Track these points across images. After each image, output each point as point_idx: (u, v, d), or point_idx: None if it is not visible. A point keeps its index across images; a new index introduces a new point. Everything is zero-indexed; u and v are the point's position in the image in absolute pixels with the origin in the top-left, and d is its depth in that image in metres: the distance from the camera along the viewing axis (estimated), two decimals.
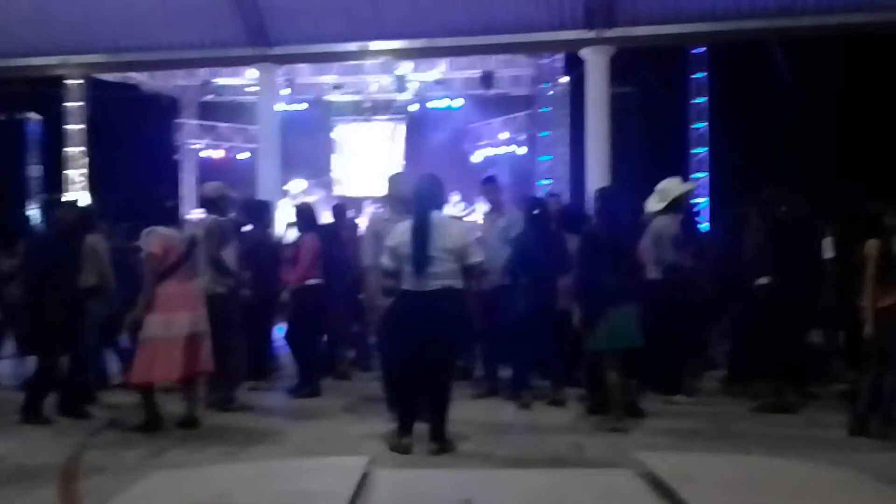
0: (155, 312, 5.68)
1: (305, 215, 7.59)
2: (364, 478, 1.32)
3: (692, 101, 17.00)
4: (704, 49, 16.47)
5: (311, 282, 7.14)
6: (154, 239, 5.75)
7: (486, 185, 7.43)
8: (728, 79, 15.85)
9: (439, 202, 5.33)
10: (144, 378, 5.72)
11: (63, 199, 7.08)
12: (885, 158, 13.57)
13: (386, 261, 5.19)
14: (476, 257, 5.15)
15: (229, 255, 6.56)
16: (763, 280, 6.29)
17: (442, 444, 5.03)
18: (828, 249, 6.97)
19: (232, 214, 7.02)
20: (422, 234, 5.01)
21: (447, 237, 5.04)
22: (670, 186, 6.61)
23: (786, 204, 6.49)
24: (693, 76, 17.03)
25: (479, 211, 15.12)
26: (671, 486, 1.17)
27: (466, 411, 5.90)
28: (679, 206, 6.60)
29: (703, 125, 17.07)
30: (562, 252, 6.53)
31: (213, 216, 6.48)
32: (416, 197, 5.23)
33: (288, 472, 1.69)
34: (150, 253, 5.73)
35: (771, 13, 11.79)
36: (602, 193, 6.27)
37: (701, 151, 17.09)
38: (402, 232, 5.13)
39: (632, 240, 6.22)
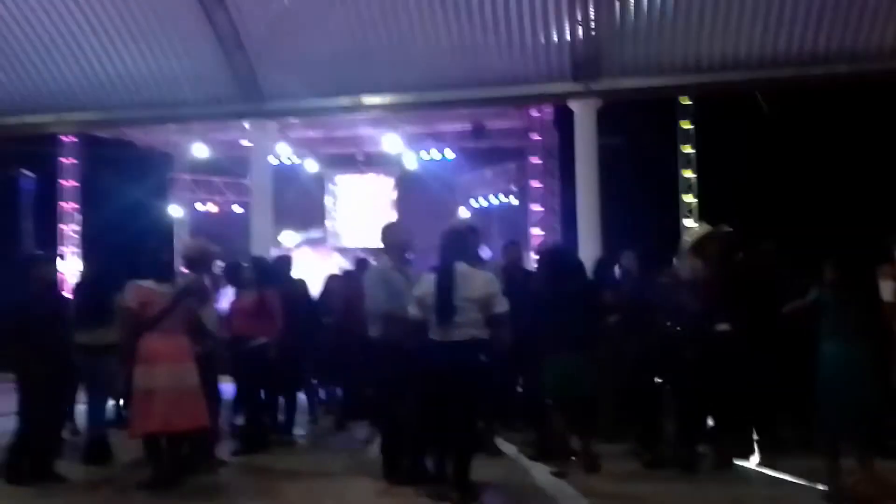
0: (139, 364, 5.71)
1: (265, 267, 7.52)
2: None
3: (681, 150, 17.19)
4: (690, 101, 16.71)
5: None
6: (133, 293, 5.83)
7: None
8: (715, 127, 16.08)
9: (463, 253, 5.41)
10: (137, 430, 5.72)
11: (41, 255, 6.99)
12: (874, 202, 13.69)
13: (414, 311, 5.28)
14: (501, 307, 5.22)
15: (210, 314, 6.56)
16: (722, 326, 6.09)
17: (468, 492, 5.09)
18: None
19: (217, 271, 7.05)
20: (446, 284, 5.11)
21: (471, 287, 5.14)
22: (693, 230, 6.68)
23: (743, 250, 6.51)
24: (681, 124, 17.26)
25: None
26: None
27: None
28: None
29: (690, 174, 17.25)
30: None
31: (193, 275, 6.48)
32: (441, 248, 5.37)
33: None
34: (126, 307, 5.82)
35: (754, 64, 11.98)
36: (544, 250, 6.49)
37: (690, 200, 17.25)
38: (428, 283, 5.25)
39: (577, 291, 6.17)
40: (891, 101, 13.29)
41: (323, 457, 6.95)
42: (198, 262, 6.57)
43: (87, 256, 7.75)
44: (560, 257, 6.71)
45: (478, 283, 5.22)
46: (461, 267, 5.24)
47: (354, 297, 7.48)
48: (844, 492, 5.06)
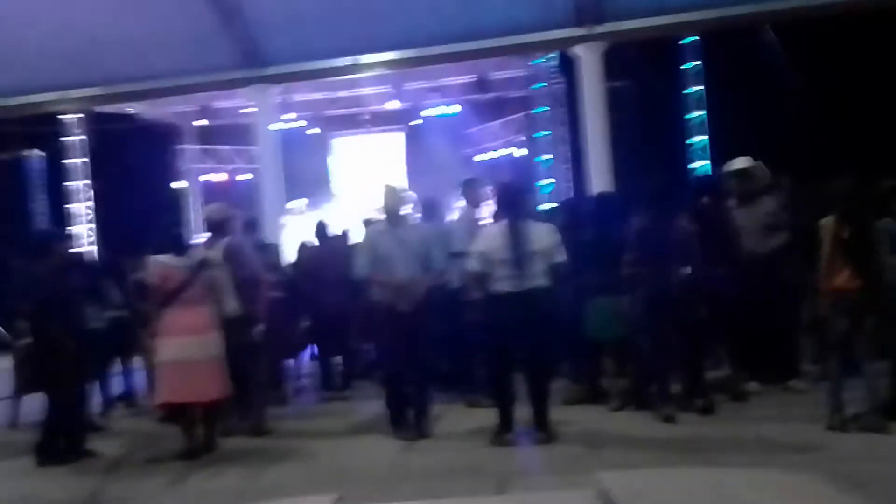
0: (162, 337, 5.81)
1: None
2: None
3: (686, 91, 16.98)
4: (697, 38, 16.44)
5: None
6: (152, 269, 5.95)
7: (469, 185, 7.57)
8: (722, 66, 15.85)
9: (523, 206, 5.80)
10: (164, 400, 5.84)
11: (58, 232, 7.01)
12: (885, 139, 13.51)
13: (475, 265, 5.51)
14: (561, 257, 5.53)
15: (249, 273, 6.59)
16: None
17: (548, 432, 5.44)
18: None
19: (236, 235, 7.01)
20: (519, 236, 5.41)
21: (537, 238, 5.47)
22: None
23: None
24: (686, 66, 17.02)
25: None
26: None
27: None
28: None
29: (699, 114, 17.05)
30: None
31: (227, 238, 6.52)
32: (503, 202, 5.78)
33: None
34: (149, 283, 5.94)
35: None
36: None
37: (700, 140, 17.08)
38: (492, 236, 5.55)
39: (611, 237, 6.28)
40: None
41: (351, 416, 7.01)
42: (221, 226, 6.59)
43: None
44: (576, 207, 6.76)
45: (542, 234, 5.54)
46: (524, 220, 5.58)
47: (323, 266, 7.85)
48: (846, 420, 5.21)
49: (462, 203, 7.55)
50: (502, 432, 5.50)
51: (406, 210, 6.26)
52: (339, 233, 9.04)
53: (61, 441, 6.00)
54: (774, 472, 4.26)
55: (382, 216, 6.31)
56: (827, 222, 5.35)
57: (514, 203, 5.71)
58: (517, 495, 3.81)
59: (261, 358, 6.58)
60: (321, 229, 8.68)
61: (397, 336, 5.83)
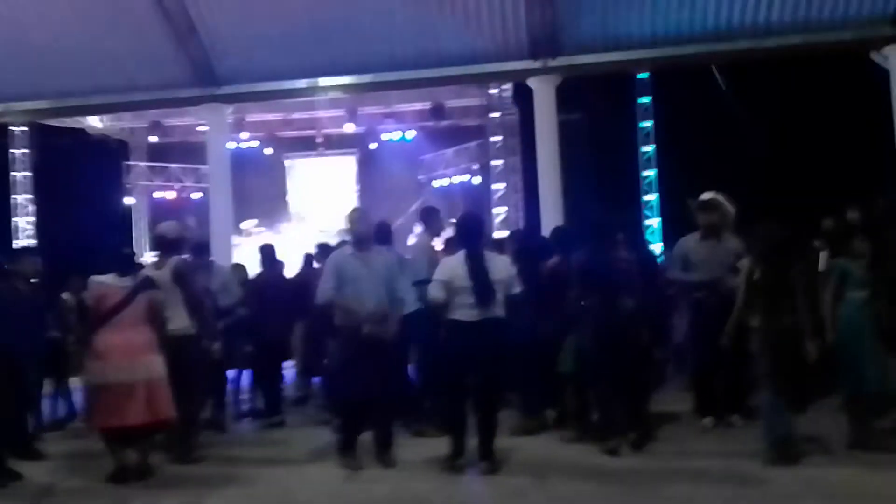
0: (95, 359, 5.68)
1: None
2: None
3: (639, 125, 17.30)
4: (649, 74, 16.80)
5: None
6: (90, 288, 5.87)
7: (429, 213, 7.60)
8: (672, 102, 16.21)
9: (483, 237, 5.90)
10: (96, 424, 5.71)
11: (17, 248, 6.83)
12: (825, 174, 13.93)
13: (436, 293, 5.56)
14: (517, 288, 5.64)
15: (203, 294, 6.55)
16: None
17: (494, 463, 5.50)
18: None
19: (186, 255, 6.90)
20: (482, 266, 5.48)
21: (496, 270, 5.53)
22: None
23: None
24: (639, 100, 17.36)
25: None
26: None
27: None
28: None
29: (651, 148, 17.38)
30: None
31: (178, 257, 6.39)
32: (465, 233, 5.81)
33: None
34: (88, 302, 5.90)
35: (709, 38, 12.07)
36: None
37: (650, 174, 17.40)
38: (453, 266, 5.59)
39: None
40: (843, 72, 13.49)
41: (291, 443, 6.91)
42: (173, 244, 6.44)
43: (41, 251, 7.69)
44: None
45: (500, 266, 5.64)
46: (485, 251, 5.69)
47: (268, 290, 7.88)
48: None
49: (419, 230, 7.55)
50: (454, 458, 5.52)
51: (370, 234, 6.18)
52: (281, 259, 8.93)
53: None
54: None
55: (347, 239, 6.29)
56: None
57: (473, 234, 5.79)
58: None
59: (203, 381, 6.48)
60: (268, 253, 8.59)
61: (361, 362, 5.72)
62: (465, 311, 5.48)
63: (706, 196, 6.86)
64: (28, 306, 6.54)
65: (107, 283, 5.82)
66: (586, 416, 6.39)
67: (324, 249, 8.51)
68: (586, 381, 6.21)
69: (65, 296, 8.16)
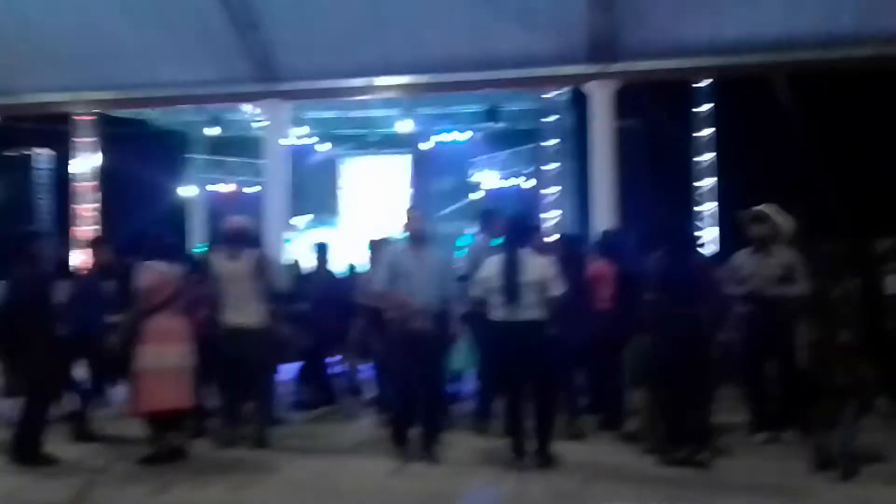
0: (146, 344, 5.80)
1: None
2: None
3: (697, 134, 17.02)
4: (709, 82, 16.52)
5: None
6: (147, 274, 5.95)
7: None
8: (733, 111, 15.91)
9: (525, 238, 5.92)
10: (139, 408, 5.88)
11: (37, 232, 6.87)
12: (890, 189, 13.55)
13: (476, 291, 5.74)
14: (557, 290, 5.64)
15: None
16: None
17: (548, 458, 5.57)
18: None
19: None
20: (512, 268, 5.56)
21: (531, 271, 5.58)
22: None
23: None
24: (698, 109, 17.07)
25: None
26: None
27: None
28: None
29: (709, 157, 17.08)
30: None
31: (256, 249, 6.60)
32: (507, 234, 5.89)
33: None
34: (141, 287, 5.90)
35: (773, 47, 11.83)
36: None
37: (705, 184, 17.11)
38: (492, 265, 5.69)
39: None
40: None
41: (337, 436, 6.96)
42: (242, 237, 6.59)
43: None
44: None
45: (537, 267, 5.65)
46: (524, 251, 5.71)
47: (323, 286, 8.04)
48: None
49: (478, 232, 7.51)
50: (516, 458, 5.59)
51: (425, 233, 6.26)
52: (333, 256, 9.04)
53: (40, 442, 5.92)
54: None
55: (403, 236, 6.35)
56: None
57: (515, 234, 5.86)
58: None
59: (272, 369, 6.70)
60: (323, 250, 8.69)
61: (411, 356, 5.80)
62: (497, 310, 5.59)
63: (756, 208, 6.76)
64: (102, 295, 6.71)
65: (161, 270, 5.98)
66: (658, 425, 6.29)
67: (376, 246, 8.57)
68: (657, 388, 6.09)
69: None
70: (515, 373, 5.57)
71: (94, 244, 7.59)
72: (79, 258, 15.25)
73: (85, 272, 7.41)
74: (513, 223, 6.09)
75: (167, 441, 5.94)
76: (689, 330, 5.67)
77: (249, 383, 6.36)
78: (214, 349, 6.28)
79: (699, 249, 6.89)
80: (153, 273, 5.99)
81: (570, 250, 7.06)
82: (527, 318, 5.51)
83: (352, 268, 9.35)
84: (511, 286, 5.50)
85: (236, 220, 6.83)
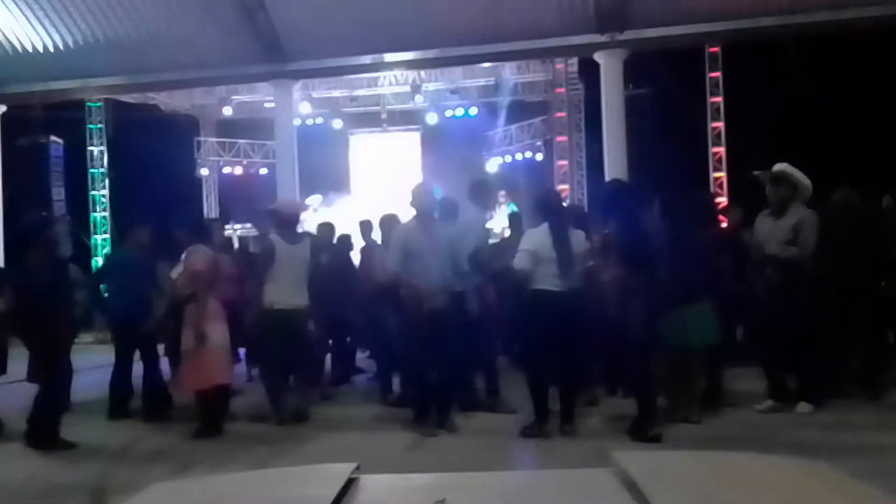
0: (204, 323, 6.02)
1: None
2: (349, 483, 1.38)
3: (709, 100, 16.87)
4: (719, 48, 16.36)
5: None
6: (199, 257, 6.17)
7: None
8: (744, 77, 15.76)
9: (564, 213, 6.21)
10: (190, 387, 6.13)
11: (47, 218, 6.88)
12: None
13: (523, 262, 5.74)
14: (589, 262, 6.09)
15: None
16: None
17: (573, 424, 5.72)
18: None
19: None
20: (567, 240, 5.75)
21: (574, 244, 5.82)
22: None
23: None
24: (709, 75, 16.91)
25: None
26: (639, 483, 1.20)
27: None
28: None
29: (718, 125, 16.94)
30: None
31: (308, 232, 6.74)
32: (548, 208, 5.97)
33: (277, 479, 1.74)
34: (197, 270, 6.09)
35: (784, 9, 11.70)
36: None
37: (719, 151, 16.98)
38: (540, 238, 5.79)
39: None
40: None
41: (357, 412, 7.04)
42: (291, 221, 6.64)
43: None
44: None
45: (578, 240, 5.89)
46: (567, 225, 5.95)
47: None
48: None
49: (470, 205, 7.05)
50: (539, 423, 5.69)
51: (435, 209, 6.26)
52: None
53: (57, 425, 6.00)
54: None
55: (412, 214, 6.23)
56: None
57: (556, 208, 6.05)
58: (532, 472, 3.83)
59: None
60: (366, 229, 8.58)
61: (428, 334, 5.85)
62: (551, 280, 5.65)
63: (776, 168, 6.46)
64: (144, 275, 6.81)
65: (209, 252, 6.13)
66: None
67: (366, 226, 8.53)
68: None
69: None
70: (558, 340, 5.63)
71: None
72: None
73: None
74: (551, 197, 6.39)
75: (209, 416, 6.14)
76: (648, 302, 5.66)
77: (298, 361, 6.54)
78: (262, 329, 6.41)
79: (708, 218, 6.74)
80: (203, 256, 6.10)
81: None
82: (577, 288, 5.74)
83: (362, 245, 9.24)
84: (567, 257, 5.66)
85: (290, 205, 6.89)
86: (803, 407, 6.18)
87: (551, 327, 5.60)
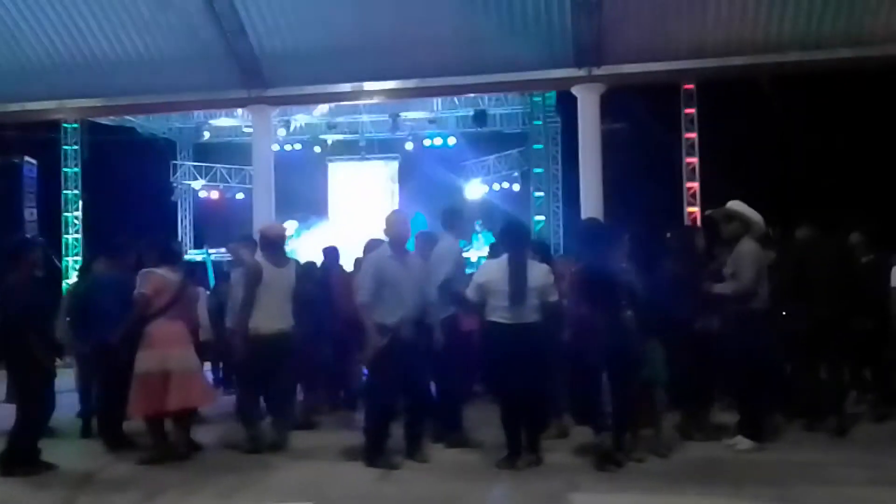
0: (148, 349, 5.88)
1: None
2: None
3: (684, 136, 17.08)
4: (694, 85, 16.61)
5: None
6: (149, 280, 6.00)
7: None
8: (718, 113, 16.00)
9: (526, 244, 5.95)
10: (142, 411, 5.97)
11: (30, 240, 6.80)
12: (872, 187, 13.69)
13: (472, 294, 5.69)
14: (554, 296, 5.71)
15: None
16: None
17: (538, 455, 5.68)
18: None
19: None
20: (521, 272, 5.58)
21: (534, 276, 5.60)
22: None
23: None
24: (684, 111, 17.14)
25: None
26: None
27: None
28: None
29: (693, 160, 17.14)
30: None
31: (295, 258, 6.69)
32: (510, 238, 5.87)
33: None
34: (142, 293, 5.97)
35: (758, 49, 11.96)
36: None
37: (694, 186, 17.17)
38: (494, 269, 5.70)
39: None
40: (892, 87, 13.25)
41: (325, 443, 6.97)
42: (276, 243, 6.55)
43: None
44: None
45: (538, 273, 5.68)
46: (526, 256, 5.74)
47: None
48: None
49: (443, 233, 6.89)
50: (511, 457, 5.63)
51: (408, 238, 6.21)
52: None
53: (31, 452, 5.89)
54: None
55: (385, 241, 6.13)
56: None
57: (518, 239, 5.86)
58: None
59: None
60: (331, 255, 8.51)
61: (399, 365, 5.75)
62: (500, 312, 5.56)
63: (728, 206, 6.50)
64: (119, 298, 6.64)
65: (165, 275, 6.03)
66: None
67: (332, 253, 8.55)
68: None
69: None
70: (511, 373, 5.55)
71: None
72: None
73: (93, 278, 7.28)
74: (514, 227, 6.19)
75: (169, 443, 6.03)
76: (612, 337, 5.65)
77: (282, 386, 6.45)
78: (245, 355, 6.27)
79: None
80: (158, 279, 6.03)
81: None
82: (530, 321, 5.56)
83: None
84: (517, 290, 5.52)
85: (276, 227, 6.80)
86: (743, 443, 6.12)
87: (504, 359, 5.56)
